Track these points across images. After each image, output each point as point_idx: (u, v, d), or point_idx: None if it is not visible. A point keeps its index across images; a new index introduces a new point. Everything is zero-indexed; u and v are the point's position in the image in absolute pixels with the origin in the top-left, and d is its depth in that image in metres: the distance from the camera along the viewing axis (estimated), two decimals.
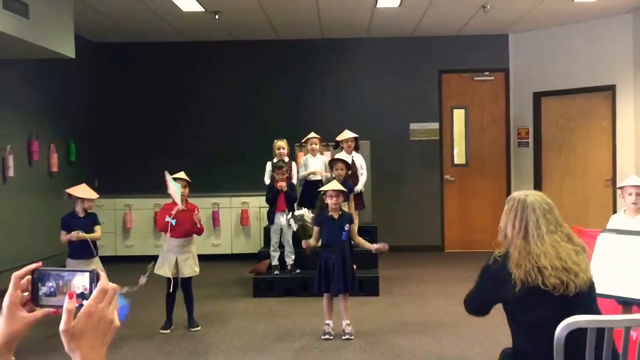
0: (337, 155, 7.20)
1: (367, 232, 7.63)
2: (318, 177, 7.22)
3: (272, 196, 6.97)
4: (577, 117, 9.23)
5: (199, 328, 5.75)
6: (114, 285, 1.22)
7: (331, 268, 5.36)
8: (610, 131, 8.83)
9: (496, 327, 5.37)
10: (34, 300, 1.22)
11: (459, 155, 10.04)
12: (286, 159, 7.21)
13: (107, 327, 1.19)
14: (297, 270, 7.08)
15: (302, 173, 7.38)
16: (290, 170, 7.10)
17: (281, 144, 7.29)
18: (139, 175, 9.42)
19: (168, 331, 5.67)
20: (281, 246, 7.16)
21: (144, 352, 5.14)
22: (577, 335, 2.39)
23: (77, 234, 5.42)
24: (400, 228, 9.64)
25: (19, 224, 7.61)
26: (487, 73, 9.90)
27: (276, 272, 7.14)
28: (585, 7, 8.00)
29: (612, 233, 3.81)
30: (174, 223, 5.54)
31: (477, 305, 2.96)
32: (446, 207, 9.95)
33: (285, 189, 6.87)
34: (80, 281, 1.21)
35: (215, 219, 9.10)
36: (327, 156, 7.56)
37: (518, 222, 2.77)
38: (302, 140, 7.65)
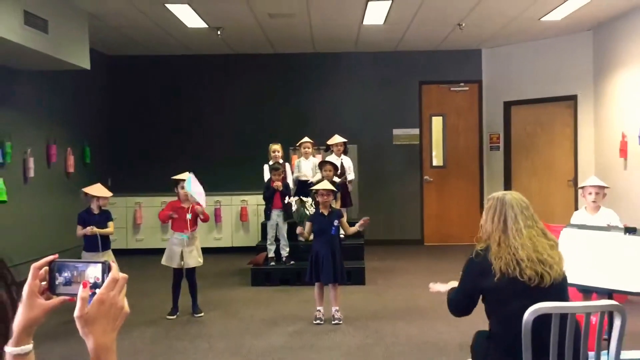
0: (328, 158, 7.21)
1: None
2: (308, 178, 7.22)
3: (269, 194, 6.97)
4: (543, 123, 9.26)
5: (202, 314, 5.74)
6: (125, 275, 1.21)
7: (321, 260, 5.36)
8: (572, 136, 8.87)
9: (472, 314, 5.40)
10: (51, 289, 1.21)
11: (437, 157, 10.06)
12: (281, 161, 7.22)
13: (118, 314, 1.19)
14: (292, 262, 7.07)
15: (295, 174, 7.39)
16: (285, 171, 7.11)
17: (276, 148, 7.30)
18: (148, 176, 9.39)
19: (174, 317, 5.66)
20: (277, 240, 7.15)
21: (152, 336, 5.12)
22: (547, 322, 2.38)
23: (92, 230, 5.41)
24: (384, 224, 9.65)
25: (38, 219, 7.57)
26: (462, 84, 9.92)
27: (272, 263, 7.13)
28: (550, 25, 8.04)
29: (574, 228, 3.83)
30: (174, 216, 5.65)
31: (461, 305, 2.86)
32: (425, 204, 9.96)
33: (281, 188, 6.87)
34: (94, 271, 1.20)
35: (217, 215, 9.08)
36: (318, 159, 7.56)
37: (497, 218, 2.74)
38: (297, 144, 7.65)
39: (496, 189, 9.36)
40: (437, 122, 9.99)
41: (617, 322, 2.42)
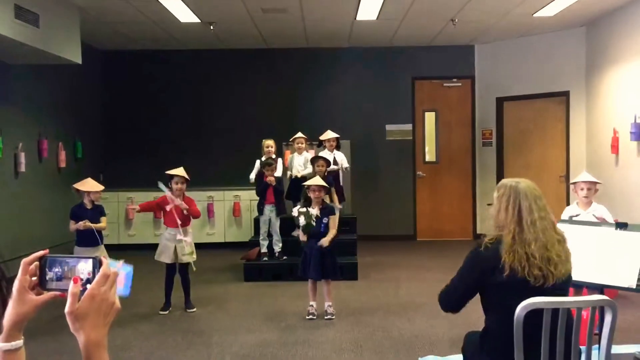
0: (321, 154, 7.20)
1: (347, 223, 7.66)
2: (302, 174, 7.20)
3: (262, 189, 6.96)
4: (535, 119, 9.29)
5: (195, 309, 5.73)
6: (115, 270, 1.21)
7: (309, 257, 5.35)
8: (564, 132, 8.91)
9: (465, 310, 5.42)
10: (41, 285, 1.20)
11: (429, 153, 10.07)
12: (273, 156, 7.21)
13: (109, 309, 1.18)
14: (284, 257, 7.07)
15: (289, 172, 7.37)
16: (277, 166, 7.10)
17: (269, 143, 7.28)
18: (139, 171, 9.35)
19: (167, 312, 5.64)
20: (270, 235, 7.15)
21: (144, 331, 5.11)
22: (540, 317, 2.37)
23: (84, 224, 5.39)
24: (377, 219, 9.67)
25: (30, 215, 7.53)
26: (455, 80, 9.93)
27: (265, 258, 7.13)
28: (543, 21, 8.05)
29: (565, 223, 3.85)
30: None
31: (456, 299, 2.68)
32: (418, 200, 9.98)
33: (274, 183, 6.87)
34: (84, 267, 1.19)
35: (210, 211, 9.07)
36: (311, 154, 7.55)
37: (512, 207, 2.56)
38: (290, 140, 7.64)
39: (489, 184, 9.41)
40: (429, 118, 10.00)
41: (608, 317, 2.43)
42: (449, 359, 4.23)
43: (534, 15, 7.69)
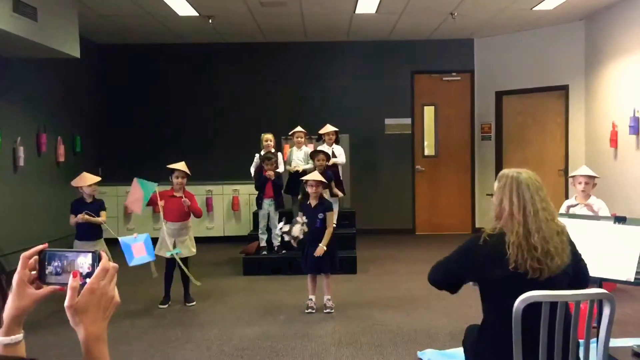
0: (319, 147, 7.19)
1: (346, 217, 7.67)
2: (302, 168, 7.20)
3: (261, 184, 6.96)
4: (534, 113, 9.29)
5: (194, 303, 5.74)
6: (115, 264, 1.21)
7: (306, 251, 5.35)
8: (563, 126, 8.91)
9: (461, 301, 5.42)
10: (40, 279, 1.20)
11: (428, 147, 10.07)
12: (272, 151, 7.20)
13: (108, 303, 1.18)
14: (283, 251, 7.07)
15: (287, 168, 7.35)
16: (277, 160, 7.10)
17: (268, 137, 7.27)
18: (138, 165, 9.33)
19: (166, 306, 5.65)
20: (269, 229, 7.15)
21: (144, 325, 5.12)
22: (536, 311, 2.37)
23: (83, 216, 5.40)
24: (376, 213, 9.68)
25: (29, 209, 7.53)
26: (454, 74, 9.91)
27: (264, 252, 7.13)
28: (542, 14, 8.04)
29: (564, 217, 3.85)
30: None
31: (440, 276, 2.70)
32: (417, 194, 9.99)
33: (273, 177, 6.87)
34: (84, 261, 1.19)
35: (209, 205, 9.07)
36: (310, 148, 7.55)
37: (516, 198, 2.52)
38: (289, 134, 7.63)
39: (488, 178, 9.42)
40: (429, 112, 10.00)
41: (606, 310, 2.44)
42: (448, 352, 4.24)
43: (533, 9, 7.68)
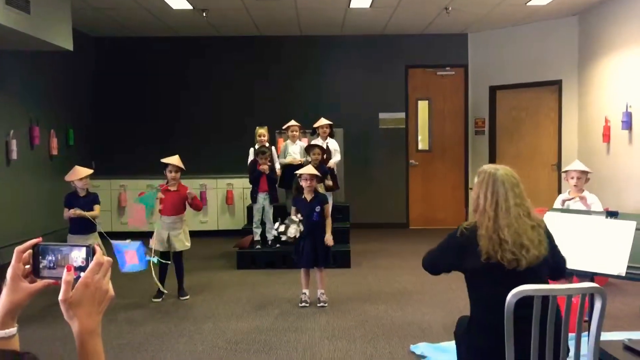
0: (313, 141, 7.19)
1: (341, 211, 7.68)
2: (299, 161, 7.19)
3: (255, 177, 6.96)
4: (528, 108, 9.31)
5: (188, 297, 5.74)
6: (109, 258, 1.21)
7: (302, 245, 5.36)
8: (557, 121, 8.93)
9: (454, 295, 5.45)
10: (34, 272, 1.20)
11: (422, 141, 10.08)
12: (267, 145, 7.20)
13: (103, 297, 1.18)
14: (277, 245, 7.07)
15: (283, 161, 7.35)
16: (271, 154, 7.09)
17: (262, 131, 7.27)
18: (132, 159, 9.34)
19: (160, 300, 5.65)
20: (263, 223, 7.15)
21: (137, 319, 5.12)
22: (529, 304, 2.39)
23: (75, 212, 5.38)
24: (370, 207, 9.69)
25: (22, 202, 7.50)
26: (448, 68, 9.92)
27: (258, 246, 7.14)
28: (536, 9, 8.05)
29: (557, 212, 3.87)
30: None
31: (431, 263, 2.88)
32: (411, 188, 10.01)
33: (267, 171, 6.87)
34: (78, 255, 1.19)
35: (202, 199, 9.05)
36: (305, 142, 7.54)
37: (490, 194, 2.66)
38: (283, 128, 7.63)
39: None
40: (423, 106, 10.00)
41: (597, 305, 2.46)
42: (441, 345, 4.26)
43: (527, 4, 7.68)
